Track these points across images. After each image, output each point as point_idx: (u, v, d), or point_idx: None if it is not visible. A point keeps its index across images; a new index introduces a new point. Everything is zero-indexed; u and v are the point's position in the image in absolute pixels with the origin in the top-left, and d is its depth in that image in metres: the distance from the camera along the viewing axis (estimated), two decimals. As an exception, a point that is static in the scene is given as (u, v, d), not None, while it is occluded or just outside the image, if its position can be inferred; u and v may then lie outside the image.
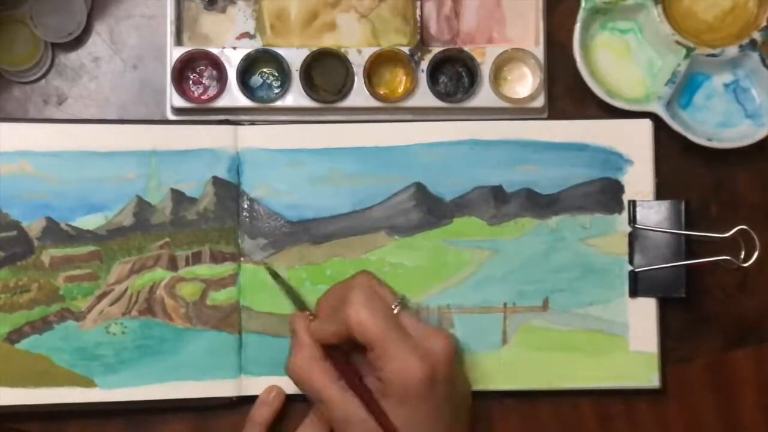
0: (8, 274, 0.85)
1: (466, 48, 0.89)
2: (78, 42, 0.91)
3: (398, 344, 0.77)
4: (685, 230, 0.88)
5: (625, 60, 0.91)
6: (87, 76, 0.91)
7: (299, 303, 0.85)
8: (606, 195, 0.89)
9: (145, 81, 0.91)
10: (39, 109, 0.90)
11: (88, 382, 0.85)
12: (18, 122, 0.88)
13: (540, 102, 0.89)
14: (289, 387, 0.85)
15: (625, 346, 0.88)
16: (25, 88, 0.90)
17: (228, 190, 0.87)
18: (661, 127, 0.89)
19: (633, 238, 0.88)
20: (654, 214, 0.88)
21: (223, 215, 0.87)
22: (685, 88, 0.90)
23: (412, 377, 0.76)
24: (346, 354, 0.81)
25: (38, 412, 0.86)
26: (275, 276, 0.86)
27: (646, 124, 0.89)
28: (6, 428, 0.87)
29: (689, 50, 0.88)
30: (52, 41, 0.90)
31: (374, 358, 0.77)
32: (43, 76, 0.90)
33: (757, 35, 0.88)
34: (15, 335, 0.85)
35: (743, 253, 0.86)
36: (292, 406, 0.88)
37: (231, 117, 0.88)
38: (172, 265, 0.87)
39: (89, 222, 0.86)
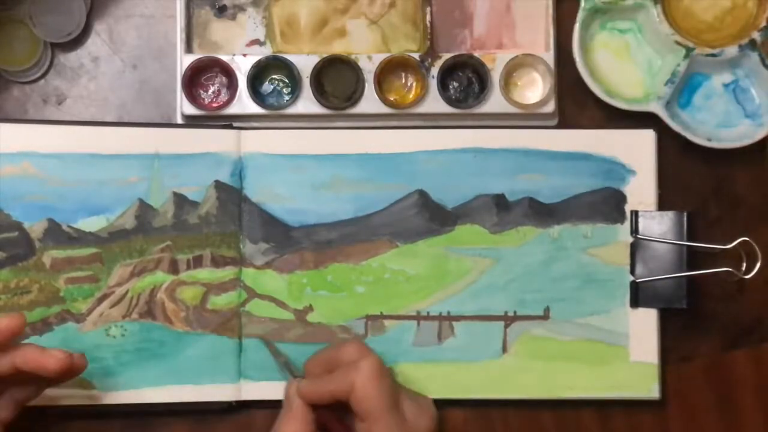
0: (9, 275, 0.94)
1: (477, 54, 0.98)
2: (77, 42, 0.99)
3: (391, 421, 0.86)
4: (687, 241, 0.96)
5: (624, 60, 1.00)
6: (86, 76, 1.00)
7: (293, 371, 0.94)
8: (608, 205, 0.97)
9: (145, 81, 0.99)
10: (38, 109, 0.99)
11: (86, 384, 0.94)
12: (22, 123, 0.97)
13: (550, 107, 0.98)
14: (283, 393, 0.93)
15: (626, 356, 0.97)
16: (25, 88, 0.99)
17: (230, 195, 0.96)
18: (660, 128, 0.97)
19: (635, 248, 0.97)
20: (656, 224, 0.97)
21: (225, 219, 0.96)
22: (684, 88, 0.98)
23: None
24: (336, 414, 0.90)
25: (37, 414, 0.93)
26: (268, 345, 0.96)
27: (650, 135, 0.97)
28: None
29: (689, 50, 0.96)
30: (51, 41, 0.98)
31: (363, 429, 0.87)
32: (43, 76, 0.99)
33: (756, 35, 0.96)
34: None
35: (744, 265, 0.94)
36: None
37: (242, 124, 0.97)
38: (173, 268, 0.96)
39: (91, 224, 0.95)
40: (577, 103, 1.00)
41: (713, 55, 0.97)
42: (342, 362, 0.89)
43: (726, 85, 0.99)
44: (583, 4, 0.97)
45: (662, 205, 0.98)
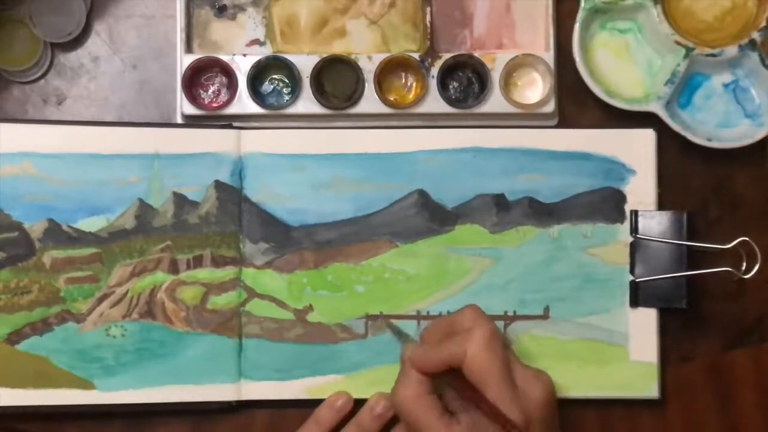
0: (9, 275, 0.94)
1: (477, 54, 0.99)
2: (77, 42, 1.00)
3: (503, 390, 0.85)
4: (687, 241, 0.96)
5: (624, 60, 1.00)
6: (86, 76, 1.00)
7: (404, 338, 0.95)
8: (608, 204, 0.98)
9: (145, 81, 1.00)
10: (38, 109, 1.00)
11: (87, 384, 0.95)
12: (22, 123, 0.97)
13: (550, 107, 0.99)
14: (282, 393, 0.96)
15: (626, 355, 0.97)
16: (25, 88, 1.00)
17: (230, 195, 0.97)
18: (660, 128, 0.98)
19: (634, 248, 0.97)
20: (656, 224, 0.97)
21: (225, 219, 0.96)
22: (684, 88, 0.99)
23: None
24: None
25: (37, 413, 0.95)
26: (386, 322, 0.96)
27: (650, 135, 0.98)
28: (5, 428, 0.96)
29: (689, 50, 0.96)
30: (51, 41, 0.99)
31: (473, 398, 0.86)
32: (43, 75, 1.00)
33: (756, 35, 0.97)
34: (15, 336, 0.94)
35: (744, 264, 0.94)
36: (289, 413, 0.97)
37: (242, 124, 0.97)
38: (173, 268, 0.96)
39: (91, 224, 0.95)
40: (577, 103, 1.01)
41: (713, 55, 0.97)
42: (458, 329, 0.89)
43: (726, 85, 1.00)
44: (583, 4, 0.98)
45: (662, 204, 0.99)
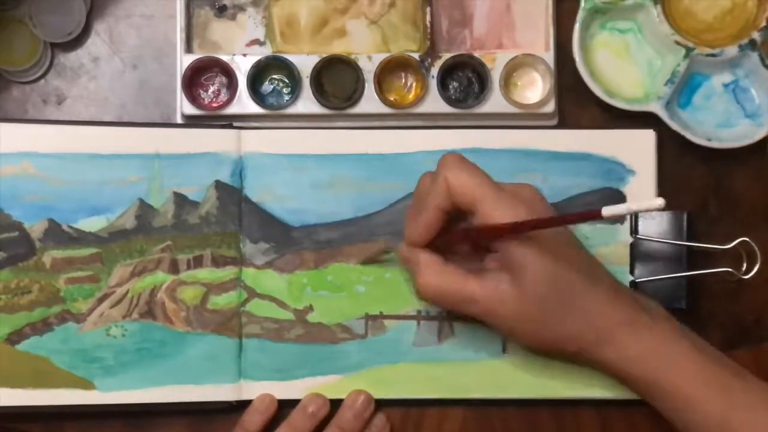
0: (9, 275, 0.95)
1: (477, 54, 0.99)
2: (77, 42, 1.00)
3: (499, 194, 0.85)
4: (687, 241, 0.97)
5: (624, 60, 1.00)
6: (86, 76, 1.01)
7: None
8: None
9: (145, 81, 1.00)
10: (38, 109, 1.00)
11: (87, 384, 0.95)
12: (22, 123, 0.97)
13: (550, 107, 0.99)
14: (283, 393, 0.96)
15: None
16: (25, 87, 1.00)
17: (230, 195, 0.97)
18: (660, 128, 0.98)
19: (634, 248, 0.97)
20: (656, 224, 0.97)
21: (225, 219, 0.97)
22: (684, 88, 0.99)
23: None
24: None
25: (37, 413, 0.95)
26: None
27: (650, 135, 0.98)
28: (5, 428, 0.96)
29: (688, 50, 0.97)
30: (51, 41, 0.99)
31: (478, 223, 0.85)
32: (43, 75, 1.00)
33: (756, 35, 0.97)
34: (15, 336, 0.94)
35: (744, 265, 0.94)
36: (289, 413, 0.97)
37: (242, 124, 0.98)
38: (174, 268, 0.96)
39: (91, 224, 0.96)
40: (577, 103, 1.01)
41: (713, 55, 0.97)
42: (425, 189, 0.89)
43: (726, 85, 1.00)
44: (583, 4, 0.98)
45: (662, 205, 0.99)
